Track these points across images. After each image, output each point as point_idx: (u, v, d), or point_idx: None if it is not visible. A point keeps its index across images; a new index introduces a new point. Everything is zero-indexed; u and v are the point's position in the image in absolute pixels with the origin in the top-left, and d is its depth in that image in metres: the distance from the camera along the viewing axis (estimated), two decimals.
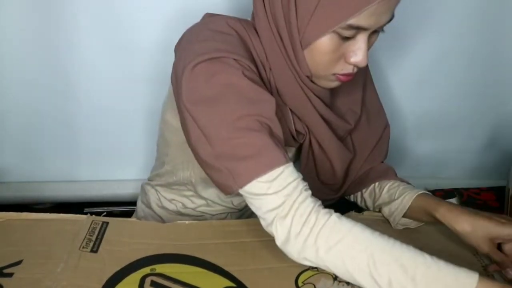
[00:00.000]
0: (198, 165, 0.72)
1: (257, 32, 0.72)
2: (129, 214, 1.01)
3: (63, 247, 0.72)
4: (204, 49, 0.67)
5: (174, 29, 0.91)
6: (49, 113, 0.98)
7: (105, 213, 0.84)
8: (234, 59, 0.67)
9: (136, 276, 0.68)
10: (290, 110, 0.76)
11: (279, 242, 0.65)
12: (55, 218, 0.79)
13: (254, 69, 0.69)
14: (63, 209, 1.11)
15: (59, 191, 1.09)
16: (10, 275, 0.67)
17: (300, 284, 0.69)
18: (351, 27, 0.64)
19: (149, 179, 0.94)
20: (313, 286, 0.68)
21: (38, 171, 1.08)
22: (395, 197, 0.84)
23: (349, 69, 0.70)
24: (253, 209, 0.68)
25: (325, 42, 0.66)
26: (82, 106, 1.04)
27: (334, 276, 0.69)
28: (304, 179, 0.67)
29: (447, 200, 0.79)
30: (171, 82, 0.75)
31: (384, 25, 0.67)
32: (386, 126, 0.93)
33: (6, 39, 0.93)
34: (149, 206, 0.92)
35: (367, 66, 0.81)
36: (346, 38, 0.66)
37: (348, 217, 0.84)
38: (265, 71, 0.73)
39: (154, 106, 0.97)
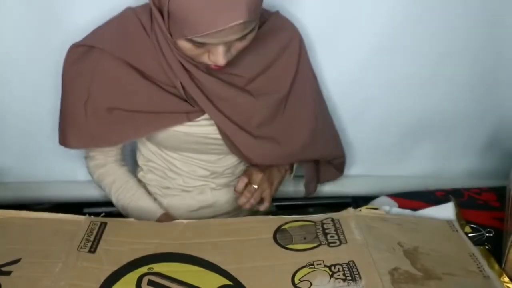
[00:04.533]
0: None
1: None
2: None
3: (62, 247, 0.73)
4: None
5: None
6: (49, 113, 0.98)
7: (103, 213, 0.85)
8: (101, 49, 0.80)
9: (133, 276, 0.69)
10: (181, 83, 0.81)
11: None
12: (54, 218, 0.80)
13: (121, 55, 0.80)
14: (62, 209, 1.12)
15: (59, 191, 1.09)
16: (8, 273, 0.68)
17: (296, 281, 0.69)
18: (198, 42, 0.70)
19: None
20: (309, 283, 0.68)
21: (38, 171, 1.08)
22: None
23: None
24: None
25: (185, 44, 0.72)
26: None
27: (330, 273, 0.69)
28: (224, 125, 0.83)
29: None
30: None
31: (240, 38, 0.71)
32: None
33: (6, 39, 0.93)
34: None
35: (303, 44, 0.90)
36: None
37: (347, 213, 0.84)
38: (155, 49, 0.79)
39: None
